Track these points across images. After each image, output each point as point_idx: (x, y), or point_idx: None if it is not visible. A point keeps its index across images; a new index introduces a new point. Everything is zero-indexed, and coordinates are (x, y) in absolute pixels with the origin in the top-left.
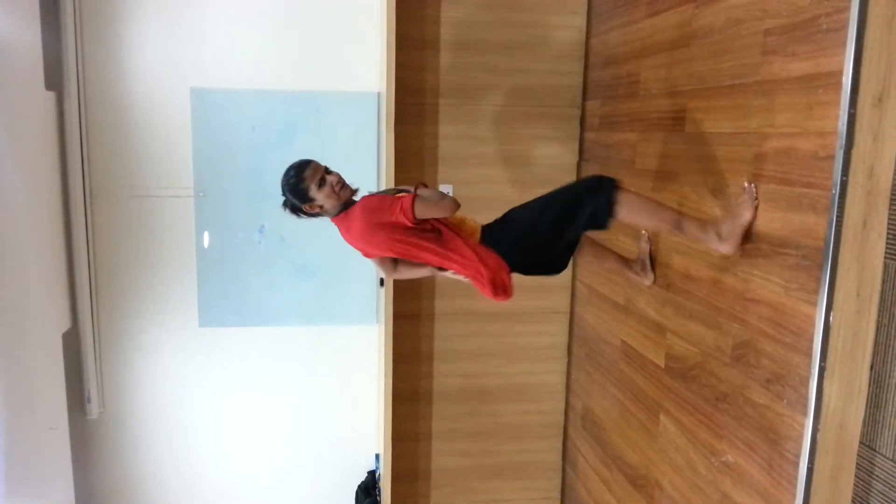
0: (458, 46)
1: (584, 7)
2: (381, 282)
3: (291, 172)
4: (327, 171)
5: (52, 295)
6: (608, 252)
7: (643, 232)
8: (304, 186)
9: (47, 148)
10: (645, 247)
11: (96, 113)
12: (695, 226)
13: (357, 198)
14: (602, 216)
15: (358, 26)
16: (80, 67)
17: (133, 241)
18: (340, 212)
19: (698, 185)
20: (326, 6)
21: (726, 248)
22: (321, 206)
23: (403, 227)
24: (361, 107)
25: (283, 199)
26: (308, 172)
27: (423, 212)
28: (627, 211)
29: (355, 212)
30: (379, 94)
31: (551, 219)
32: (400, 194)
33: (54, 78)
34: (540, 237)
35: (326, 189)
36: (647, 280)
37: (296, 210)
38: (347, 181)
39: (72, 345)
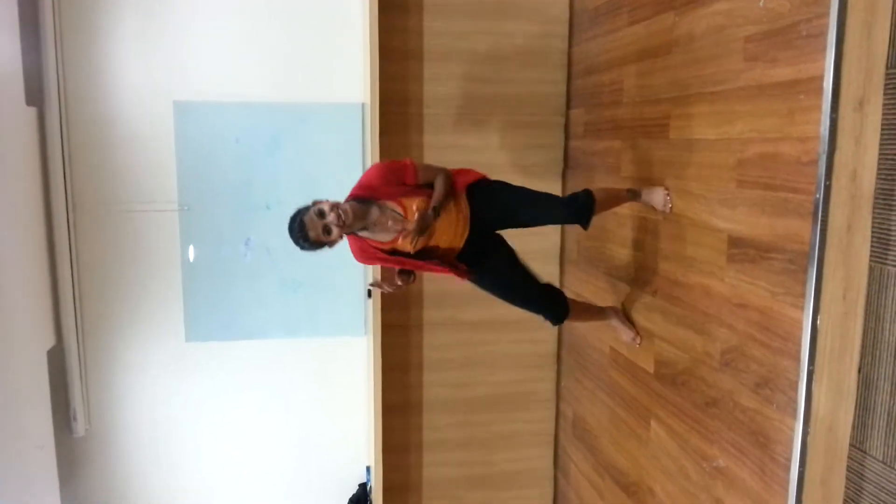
0: (441, 56)
1: (567, 16)
2: (369, 293)
3: (298, 237)
4: (321, 214)
5: (35, 312)
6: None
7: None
8: (317, 243)
9: (29, 164)
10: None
11: (78, 128)
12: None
13: None
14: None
15: (341, 37)
16: (60, 82)
17: (117, 257)
18: (360, 229)
19: (683, 191)
20: (309, 18)
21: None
22: (341, 237)
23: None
24: (346, 118)
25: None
26: (311, 233)
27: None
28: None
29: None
30: (363, 104)
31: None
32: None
33: (35, 93)
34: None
35: (335, 232)
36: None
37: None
38: (336, 205)
39: (57, 362)
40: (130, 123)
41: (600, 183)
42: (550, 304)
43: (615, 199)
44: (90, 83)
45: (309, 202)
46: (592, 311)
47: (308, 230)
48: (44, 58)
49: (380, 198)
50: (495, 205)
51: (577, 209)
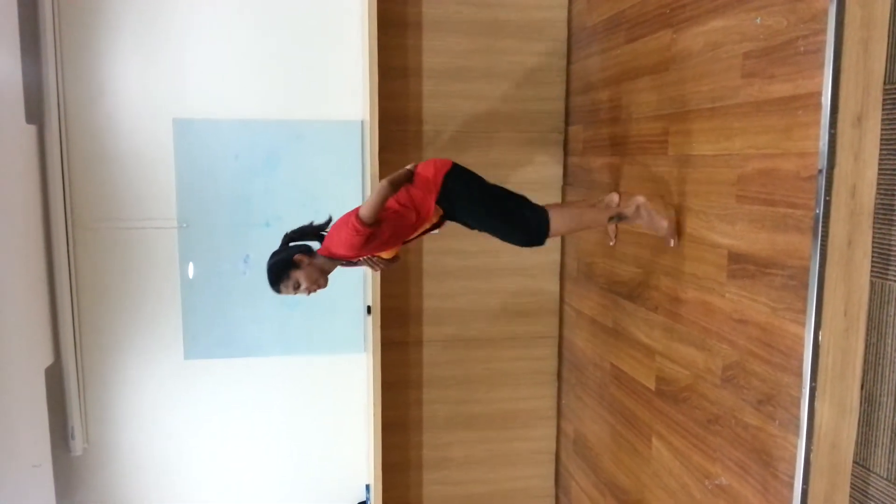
0: (440, 74)
1: (565, 34)
2: (368, 310)
3: (272, 286)
4: (297, 286)
5: (34, 329)
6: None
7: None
8: (288, 293)
9: (28, 181)
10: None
11: (78, 145)
12: None
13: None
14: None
15: (340, 55)
16: (60, 100)
17: (116, 274)
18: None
19: (682, 207)
20: (308, 36)
21: None
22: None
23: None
24: (345, 135)
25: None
26: (283, 292)
27: (367, 211)
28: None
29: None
30: (363, 122)
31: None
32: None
33: (35, 111)
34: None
35: (303, 292)
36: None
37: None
38: (314, 279)
39: (55, 380)
40: (130, 141)
41: (601, 197)
42: (527, 235)
43: (583, 224)
44: (90, 101)
45: (290, 252)
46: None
47: (281, 290)
48: (44, 76)
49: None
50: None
51: (529, 239)
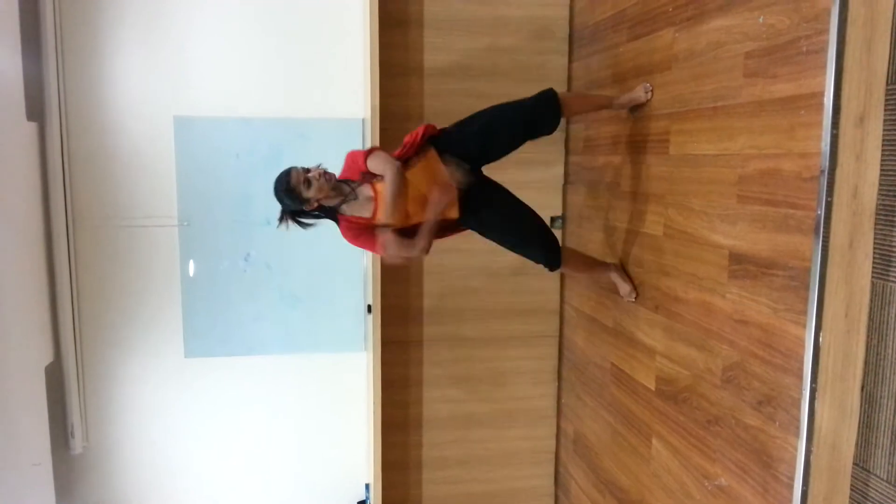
0: (441, 72)
1: (566, 32)
2: (369, 308)
3: (280, 182)
4: (307, 170)
5: (34, 327)
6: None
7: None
8: (296, 190)
9: (29, 179)
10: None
11: (78, 143)
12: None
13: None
14: (550, 266)
15: (341, 53)
16: (61, 97)
17: (117, 272)
18: (340, 203)
19: (683, 207)
20: (310, 34)
21: None
22: (319, 201)
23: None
24: (346, 133)
25: (280, 216)
26: (293, 180)
27: (375, 165)
28: (572, 267)
29: (341, 222)
30: (363, 120)
31: (515, 245)
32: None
33: (36, 108)
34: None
35: (315, 186)
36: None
37: (298, 216)
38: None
39: (55, 378)
40: (131, 138)
41: (602, 196)
42: (546, 250)
43: (588, 102)
44: (91, 98)
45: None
46: (591, 263)
47: (291, 177)
48: (45, 73)
49: (355, 180)
50: (469, 138)
51: (541, 112)
